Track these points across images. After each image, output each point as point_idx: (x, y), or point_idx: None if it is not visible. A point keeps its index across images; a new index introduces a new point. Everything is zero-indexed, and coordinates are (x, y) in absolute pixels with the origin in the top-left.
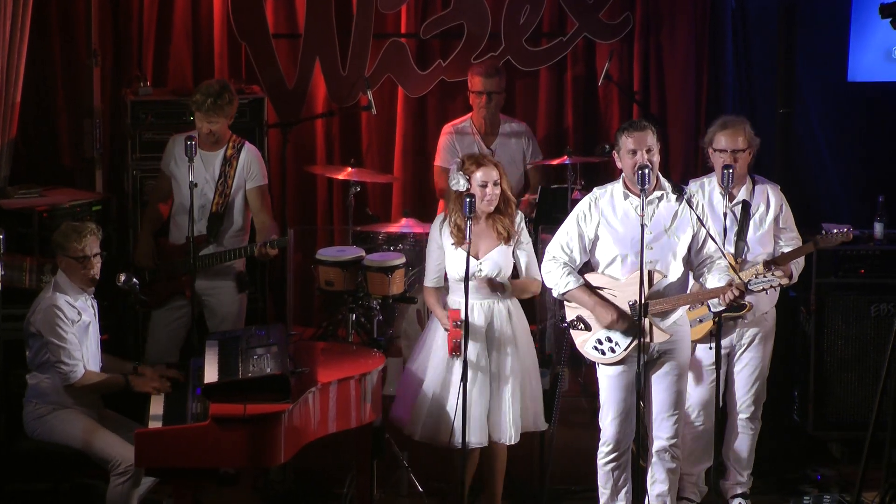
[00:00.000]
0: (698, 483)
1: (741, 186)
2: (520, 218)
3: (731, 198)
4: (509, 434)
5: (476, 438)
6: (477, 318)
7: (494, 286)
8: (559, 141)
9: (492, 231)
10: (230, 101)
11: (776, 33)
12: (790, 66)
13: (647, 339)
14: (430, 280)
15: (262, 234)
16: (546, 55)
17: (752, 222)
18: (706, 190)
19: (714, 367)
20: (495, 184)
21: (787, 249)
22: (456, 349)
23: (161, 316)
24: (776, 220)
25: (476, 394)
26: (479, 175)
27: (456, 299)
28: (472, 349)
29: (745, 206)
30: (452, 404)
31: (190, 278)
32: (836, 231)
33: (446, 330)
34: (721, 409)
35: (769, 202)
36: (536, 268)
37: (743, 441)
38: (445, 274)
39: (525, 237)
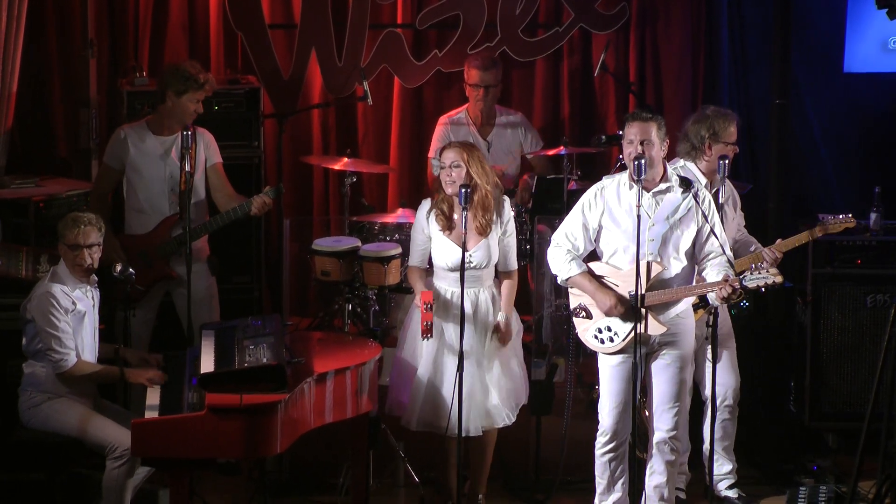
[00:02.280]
0: (683, 470)
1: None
2: (507, 210)
3: (712, 186)
4: (503, 416)
5: (475, 425)
6: (464, 307)
7: (506, 335)
8: (555, 131)
9: (473, 223)
10: None
11: (772, 24)
12: (786, 57)
13: (643, 330)
14: (414, 260)
15: (230, 208)
16: (542, 46)
17: (728, 210)
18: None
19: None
20: (454, 165)
21: (737, 236)
22: (426, 331)
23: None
24: (734, 206)
25: (471, 381)
26: (441, 158)
27: (440, 284)
28: (456, 336)
29: (716, 194)
30: (448, 391)
31: (166, 262)
32: (835, 217)
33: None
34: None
35: (731, 189)
36: (514, 259)
37: (728, 427)
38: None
39: (511, 229)
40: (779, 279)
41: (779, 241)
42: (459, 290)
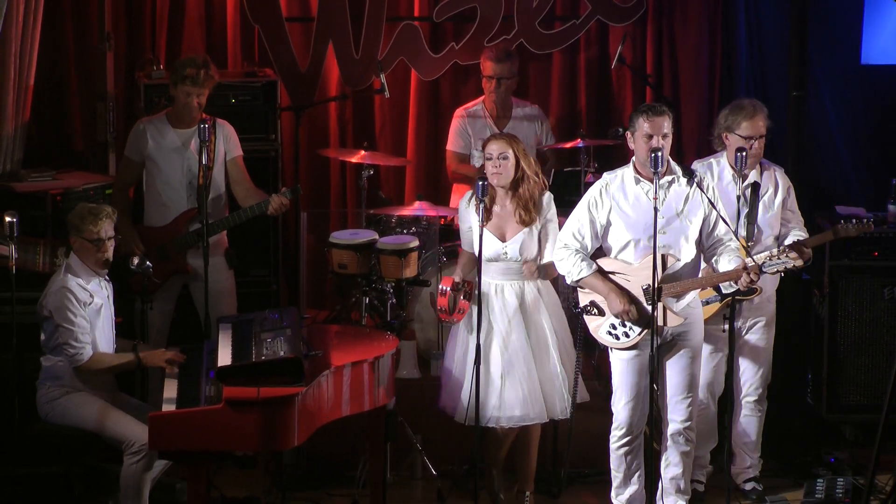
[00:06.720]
0: (704, 464)
1: (752, 169)
2: (548, 199)
3: (743, 180)
4: (560, 408)
5: (519, 414)
6: (508, 298)
7: (531, 271)
8: (572, 124)
9: (514, 215)
10: (213, 74)
11: (789, 15)
12: (803, 49)
13: (661, 324)
14: (465, 245)
15: (249, 202)
16: (559, 38)
17: (760, 204)
18: (715, 171)
19: (716, 349)
20: (501, 157)
21: (797, 232)
22: (442, 315)
23: (155, 299)
24: (784, 202)
25: (517, 373)
26: (486, 149)
27: (484, 279)
28: (502, 330)
29: (755, 187)
30: (494, 385)
31: (183, 256)
32: (854, 222)
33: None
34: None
35: (777, 185)
36: (550, 251)
37: (752, 424)
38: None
39: (553, 218)
40: (799, 262)
41: (798, 240)
42: (501, 282)
